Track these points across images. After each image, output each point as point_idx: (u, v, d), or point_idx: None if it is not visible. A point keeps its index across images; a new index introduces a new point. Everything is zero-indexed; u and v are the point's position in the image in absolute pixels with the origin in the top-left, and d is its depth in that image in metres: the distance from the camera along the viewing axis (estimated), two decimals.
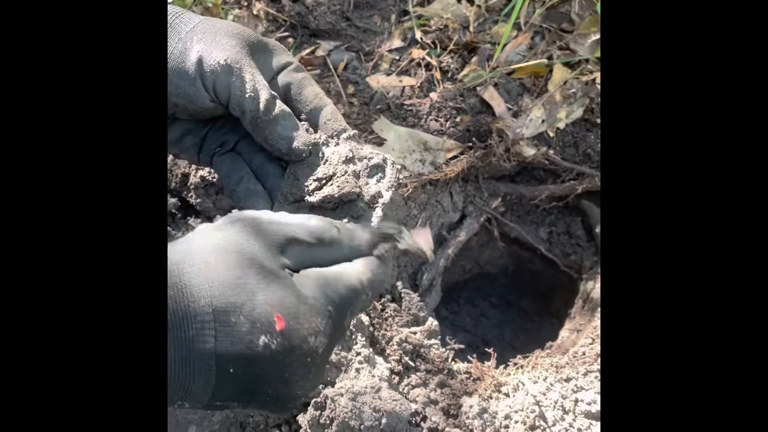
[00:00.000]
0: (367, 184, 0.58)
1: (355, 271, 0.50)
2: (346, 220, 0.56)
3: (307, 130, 0.58)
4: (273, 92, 0.56)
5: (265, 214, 0.49)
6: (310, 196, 0.57)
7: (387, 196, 0.58)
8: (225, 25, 0.56)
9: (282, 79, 0.59)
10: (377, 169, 0.59)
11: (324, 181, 0.57)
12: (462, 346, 0.94)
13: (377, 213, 0.57)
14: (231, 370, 0.42)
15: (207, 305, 0.42)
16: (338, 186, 0.56)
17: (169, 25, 0.54)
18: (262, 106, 0.54)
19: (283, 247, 0.48)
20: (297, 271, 0.48)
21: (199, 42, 0.54)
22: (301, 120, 0.59)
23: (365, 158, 0.59)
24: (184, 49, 0.54)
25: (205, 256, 0.44)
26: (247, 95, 0.54)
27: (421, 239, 0.55)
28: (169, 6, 0.56)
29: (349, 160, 0.58)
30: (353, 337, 0.82)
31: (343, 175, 0.57)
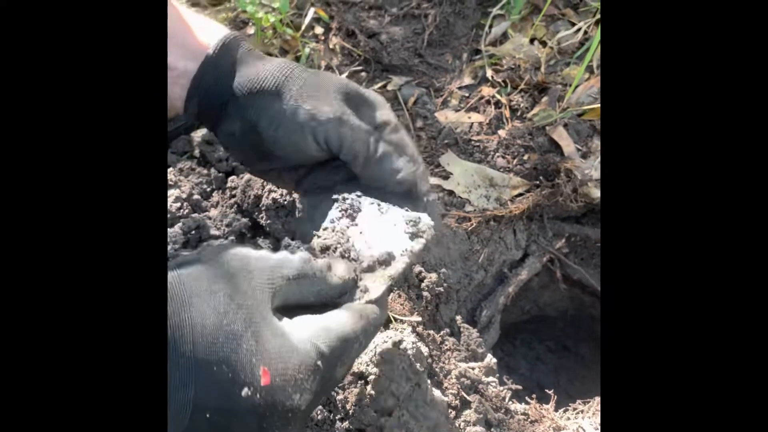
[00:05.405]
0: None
1: (349, 319, 0.49)
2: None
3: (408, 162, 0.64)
4: (376, 136, 0.63)
5: (252, 251, 0.49)
6: None
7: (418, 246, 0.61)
8: (328, 80, 0.64)
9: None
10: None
11: None
12: (519, 387, 0.92)
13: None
14: (207, 416, 0.42)
15: (189, 351, 0.41)
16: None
17: (282, 83, 0.62)
18: (371, 148, 0.61)
19: (274, 288, 0.47)
20: (286, 313, 0.48)
21: (309, 99, 0.62)
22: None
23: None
24: (296, 105, 0.61)
25: (191, 296, 0.43)
26: (357, 142, 0.61)
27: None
28: (282, 60, 0.64)
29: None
30: (412, 367, 0.82)
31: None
